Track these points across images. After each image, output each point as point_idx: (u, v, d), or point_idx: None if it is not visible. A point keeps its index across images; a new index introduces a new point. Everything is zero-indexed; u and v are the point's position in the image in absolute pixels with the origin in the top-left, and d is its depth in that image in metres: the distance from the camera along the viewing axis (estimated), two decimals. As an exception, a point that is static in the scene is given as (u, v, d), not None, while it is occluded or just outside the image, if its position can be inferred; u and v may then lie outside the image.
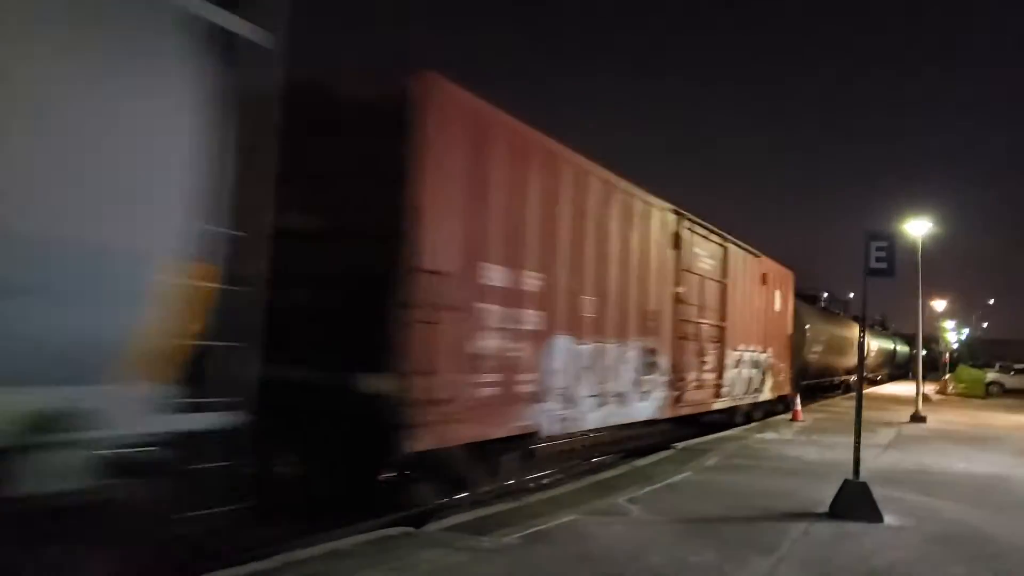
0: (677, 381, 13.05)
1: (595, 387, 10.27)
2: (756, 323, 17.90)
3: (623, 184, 11.15)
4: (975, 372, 38.84)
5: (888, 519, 7.67)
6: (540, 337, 8.94)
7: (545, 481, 10.91)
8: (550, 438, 10.05)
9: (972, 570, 6.06)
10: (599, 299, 10.30)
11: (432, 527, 7.14)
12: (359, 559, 5.79)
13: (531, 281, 8.74)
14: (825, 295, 36.11)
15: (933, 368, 50.49)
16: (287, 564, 5.59)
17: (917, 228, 21.81)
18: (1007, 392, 37.59)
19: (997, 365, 43.37)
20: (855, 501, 7.77)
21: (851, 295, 38.89)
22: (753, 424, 18.16)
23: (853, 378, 35.94)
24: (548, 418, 9.25)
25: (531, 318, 8.74)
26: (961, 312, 74.70)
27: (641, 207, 11.73)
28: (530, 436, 9.12)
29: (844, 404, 26.45)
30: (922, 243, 22.19)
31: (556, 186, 9.26)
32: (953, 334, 72.11)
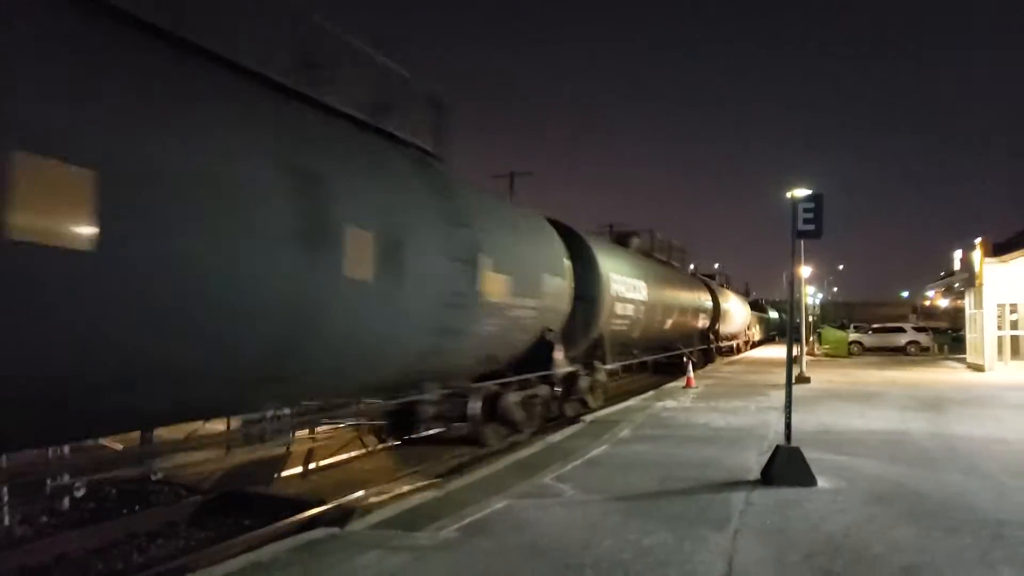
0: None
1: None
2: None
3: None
4: (839, 333, 41.18)
5: (821, 482, 7.63)
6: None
7: (459, 463, 10.43)
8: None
9: (922, 530, 6.00)
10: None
11: (357, 525, 6.48)
12: (287, 571, 5.10)
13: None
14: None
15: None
16: (203, 585, 4.82)
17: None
18: (867, 350, 40.12)
19: (852, 326, 46.25)
20: (788, 466, 7.69)
21: (716, 265, 39.86)
22: (650, 393, 18.33)
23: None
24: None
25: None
26: (815, 277, 79.42)
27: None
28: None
29: (726, 370, 27.31)
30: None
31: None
32: (811, 299, 76.57)
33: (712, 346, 30.02)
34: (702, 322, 28.65)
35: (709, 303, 29.89)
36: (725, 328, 34.65)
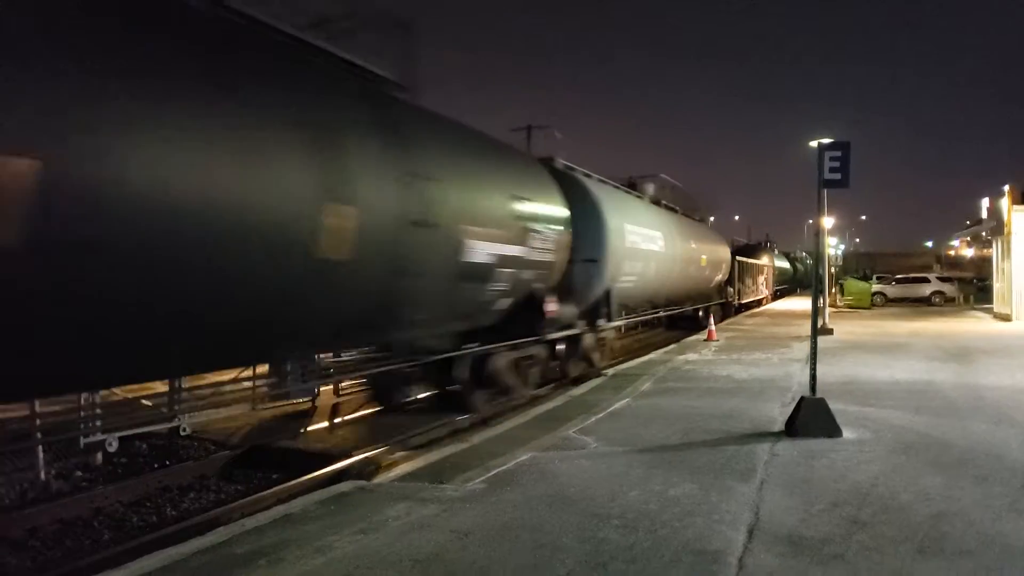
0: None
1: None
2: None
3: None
4: (862, 284, 40.71)
5: (846, 433, 7.61)
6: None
7: (484, 417, 10.50)
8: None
9: (950, 479, 5.98)
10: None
11: (385, 478, 6.57)
12: (318, 523, 5.17)
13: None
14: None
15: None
16: (237, 536, 4.91)
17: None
18: (890, 301, 39.68)
19: (875, 277, 45.70)
20: (813, 417, 7.66)
21: (736, 217, 38.83)
22: (672, 346, 18.32)
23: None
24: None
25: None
26: (838, 228, 78.37)
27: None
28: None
29: (748, 322, 27.18)
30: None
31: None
32: (833, 250, 75.54)
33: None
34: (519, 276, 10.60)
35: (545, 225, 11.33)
36: (638, 279, 15.89)
